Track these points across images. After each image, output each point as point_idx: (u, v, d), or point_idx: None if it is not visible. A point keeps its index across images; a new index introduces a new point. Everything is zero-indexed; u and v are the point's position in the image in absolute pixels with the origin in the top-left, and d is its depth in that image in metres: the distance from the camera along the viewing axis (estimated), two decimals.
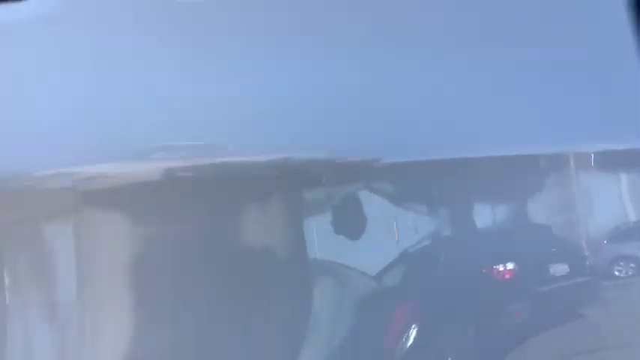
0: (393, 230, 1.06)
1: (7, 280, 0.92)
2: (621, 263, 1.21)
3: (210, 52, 1.03)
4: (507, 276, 1.15)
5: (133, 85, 0.99)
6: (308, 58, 1.06)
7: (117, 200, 0.95)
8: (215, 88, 1.01)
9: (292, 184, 1.02)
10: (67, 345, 0.94)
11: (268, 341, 1.00)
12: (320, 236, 1.03)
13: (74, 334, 0.94)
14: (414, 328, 1.07)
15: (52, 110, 0.97)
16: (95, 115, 0.97)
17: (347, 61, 1.08)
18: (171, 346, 0.96)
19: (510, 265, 1.15)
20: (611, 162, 1.21)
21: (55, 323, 0.94)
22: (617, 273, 1.21)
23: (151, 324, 0.96)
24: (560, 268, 1.18)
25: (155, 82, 0.99)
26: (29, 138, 0.95)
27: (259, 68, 1.04)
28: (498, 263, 1.14)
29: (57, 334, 0.94)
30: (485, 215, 1.14)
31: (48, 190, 0.94)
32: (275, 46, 1.05)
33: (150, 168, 0.95)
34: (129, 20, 1.02)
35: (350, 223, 1.05)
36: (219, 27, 1.03)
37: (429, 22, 1.13)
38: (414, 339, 1.07)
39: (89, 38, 1.00)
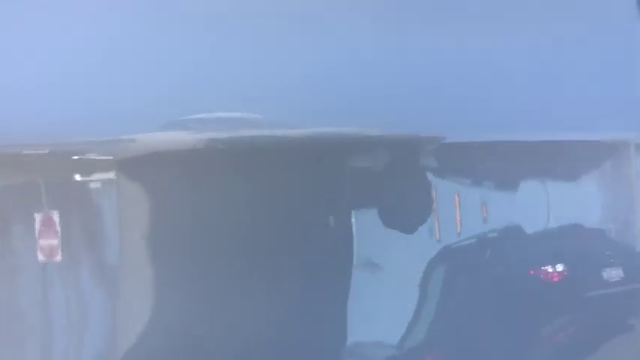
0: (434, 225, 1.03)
1: (60, 236, 0.96)
2: None
3: (254, 25, 1.02)
4: (556, 279, 1.10)
5: (171, 60, 0.99)
6: (360, 33, 1.05)
7: (155, 167, 0.97)
8: (261, 63, 1.01)
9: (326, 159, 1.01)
10: (111, 298, 0.97)
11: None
12: (359, 214, 1.02)
13: (116, 289, 0.98)
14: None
15: (97, 82, 0.98)
16: (137, 88, 0.98)
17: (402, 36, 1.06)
18: (210, 305, 0.98)
19: (560, 268, 1.10)
20: None
21: (100, 277, 0.98)
22: None
23: (184, 280, 0.98)
24: (614, 273, 1.12)
25: (193, 56, 1.00)
26: (76, 106, 0.96)
27: (306, 42, 1.03)
28: (548, 264, 1.10)
29: (101, 288, 0.98)
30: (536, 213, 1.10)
31: (92, 156, 0.97)
32: (327, 20, 1.04)
33: (187, 138, 0.97)
34: None
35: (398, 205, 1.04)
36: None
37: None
38: None
39: (126, 11, 1.00)
